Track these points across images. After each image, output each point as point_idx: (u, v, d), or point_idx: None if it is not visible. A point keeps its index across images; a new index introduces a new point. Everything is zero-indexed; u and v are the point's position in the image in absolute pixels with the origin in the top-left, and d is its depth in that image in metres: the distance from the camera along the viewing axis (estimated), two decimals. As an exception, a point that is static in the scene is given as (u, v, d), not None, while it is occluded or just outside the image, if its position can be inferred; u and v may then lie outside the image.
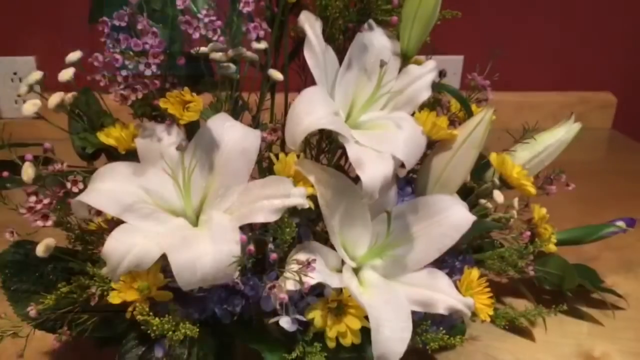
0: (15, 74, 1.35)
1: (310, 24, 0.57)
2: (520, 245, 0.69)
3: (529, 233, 0.70)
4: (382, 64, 0.56)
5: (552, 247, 0.74)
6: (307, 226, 0.60)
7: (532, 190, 0.66)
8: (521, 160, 0.72)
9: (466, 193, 0.68)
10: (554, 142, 0.72)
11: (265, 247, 0.56)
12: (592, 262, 0.88)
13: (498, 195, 0.65)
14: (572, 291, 0.77)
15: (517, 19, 1.45)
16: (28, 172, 0.53)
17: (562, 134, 0.73)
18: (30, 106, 0.55)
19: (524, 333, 0.74)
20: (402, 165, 0.58)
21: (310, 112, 0.54)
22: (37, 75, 0.56)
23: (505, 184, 0.67)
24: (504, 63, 1.51)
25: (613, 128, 1.55)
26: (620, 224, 0.80)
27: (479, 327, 0.72)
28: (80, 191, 0.54)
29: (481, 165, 0.72)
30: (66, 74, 0.56)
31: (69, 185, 0.55)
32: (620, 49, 1.51)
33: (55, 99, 0.56)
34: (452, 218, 0.61)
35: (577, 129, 0.73)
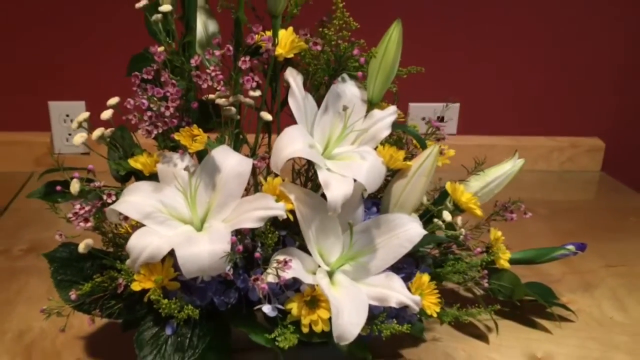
0: (67, 115, 1.48)
1: (293, 78, 0.73)
2: (472, 259, 0.82)
3: (479, 250, 0.83)
4: (344, 108, 0.72)
5: (504, 264, 0.87)
6: (292, 237, 0.75)
7: (479, 213, 0.80)
8: (473, 189, 0.85)
9: (426, 213, 0.82)
10: (501, 175, 0.86)
11: (254, 250, 0.71)
12: (555, 283, 1.00)
13: (447, 215, 0.79)
14: (522, 302, 0.89)
15: (511, 69, 1.55)
16: (75, 186, 0.70)
17: (508, 167, 0.87)
18: (79, 138, 0.72)
19: (480, 337, 0.86)
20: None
21: (290, 144, 0.69)
22: (85, 115, 0.73)
23: (457, 207, 0.81)
24: (500, 109, 1.66)
25: (603, 171, 1.64)
26: (570, 247, 0.92)
27: (441, 330, 0.85)
28: (114, 202, 0.70)
29: (443, 192, 0.86)
30: (106, 114, 0.72)
31: (105, 197, 0.71)
32: (608, 98, 1.61)
33: (97, 132, 0.73)
34: (407, 232, 0.74)
35: (521, 164, 0.87)
